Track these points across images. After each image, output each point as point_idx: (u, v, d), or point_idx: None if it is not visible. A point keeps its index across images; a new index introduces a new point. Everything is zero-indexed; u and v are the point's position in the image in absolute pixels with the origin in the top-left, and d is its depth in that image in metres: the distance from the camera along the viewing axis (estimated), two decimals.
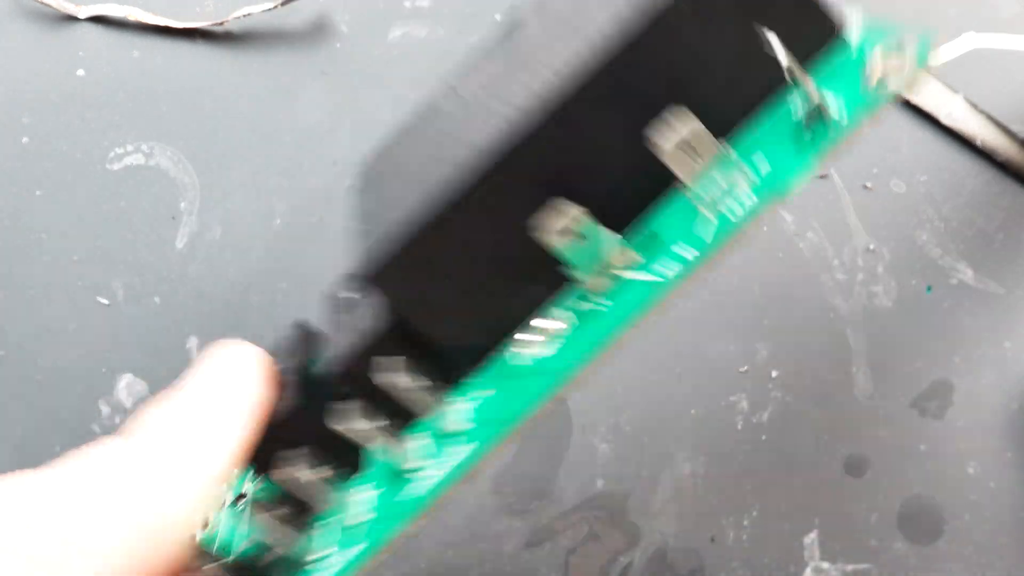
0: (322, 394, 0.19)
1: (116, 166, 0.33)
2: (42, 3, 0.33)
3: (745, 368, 0.32)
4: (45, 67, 0.33)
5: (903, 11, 0.33)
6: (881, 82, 0.16)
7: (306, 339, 0.21)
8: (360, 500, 0.20)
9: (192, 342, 0.32)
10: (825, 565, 0.31)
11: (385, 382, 0.19)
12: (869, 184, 0.32)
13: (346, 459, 0.20)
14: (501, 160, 0.17)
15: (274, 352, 0.20)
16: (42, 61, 0.34)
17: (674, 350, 0.32)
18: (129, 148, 0.33)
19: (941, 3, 0.33)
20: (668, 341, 0.32)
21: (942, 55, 0.33)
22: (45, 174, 0.33)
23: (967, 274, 0.32)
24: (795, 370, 0.32)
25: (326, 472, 0.19)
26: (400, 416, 0.19)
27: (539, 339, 0.19)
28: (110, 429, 0.32)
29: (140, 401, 0.32)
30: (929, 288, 0.32)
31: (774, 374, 0.32)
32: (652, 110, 0.17)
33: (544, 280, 0.18)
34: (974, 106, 0.32)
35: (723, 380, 0.32)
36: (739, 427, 0.31)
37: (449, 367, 0.19)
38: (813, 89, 0.16)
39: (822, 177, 0.33)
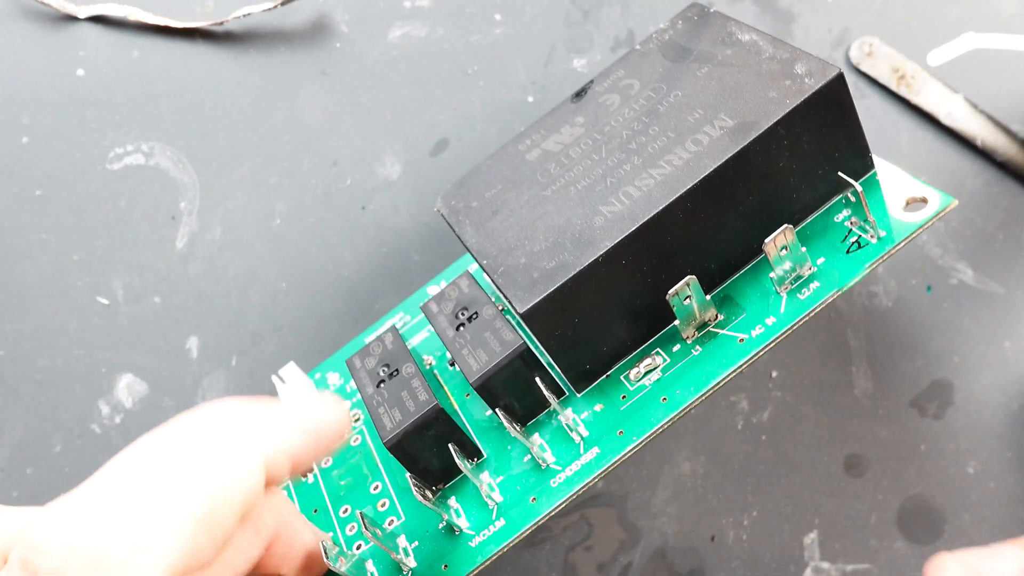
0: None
1: (116, 166, 0.33)
2: (42, 3, 0.33)
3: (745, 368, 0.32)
4: (45, 67, 0.33)
5: (903, 11, 0.33)
6: (909, 214, 0.23)
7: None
8: (493, 483, 0.24)
9: (192, 342, 0.32)
10: (825, 565, 0.31)
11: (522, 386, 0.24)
12: None
13: (476, 452, 0.25)
14: (635, 231, 0.22)
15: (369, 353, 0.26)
16: (42, 61, 0.34)
17: None
18: (129, 148, 0.33)
19: (941, 3, 0.33)
20: None
21: (942, 55, 0.33)
22: (45, 174, 0.33)
23: (967, 274, 0.32)
24: (795, 370, 0.32)
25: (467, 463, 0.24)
26: (523, 411, 0.25)
27: (640, 372, 0.24)
28: (110, 429, 0.32)
29: (140, 401, 0.32)
30: (929, 288, 0.32)
31: (774, 374, 0.32)
32: (747, 205, 0.23)
33: (649, 322, 0.24)
34: (974, 106, 0.32)
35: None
36: (739, 427, 0.31)
37: (562, 386, 0.25)
38: (868, 211, 0.23)
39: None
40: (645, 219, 0.22)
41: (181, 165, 0.33)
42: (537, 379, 0.24)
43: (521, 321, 0.23)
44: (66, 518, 0.17)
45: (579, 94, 0.27)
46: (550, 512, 0.22)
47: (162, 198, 0.33)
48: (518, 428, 0.23)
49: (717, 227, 0.23)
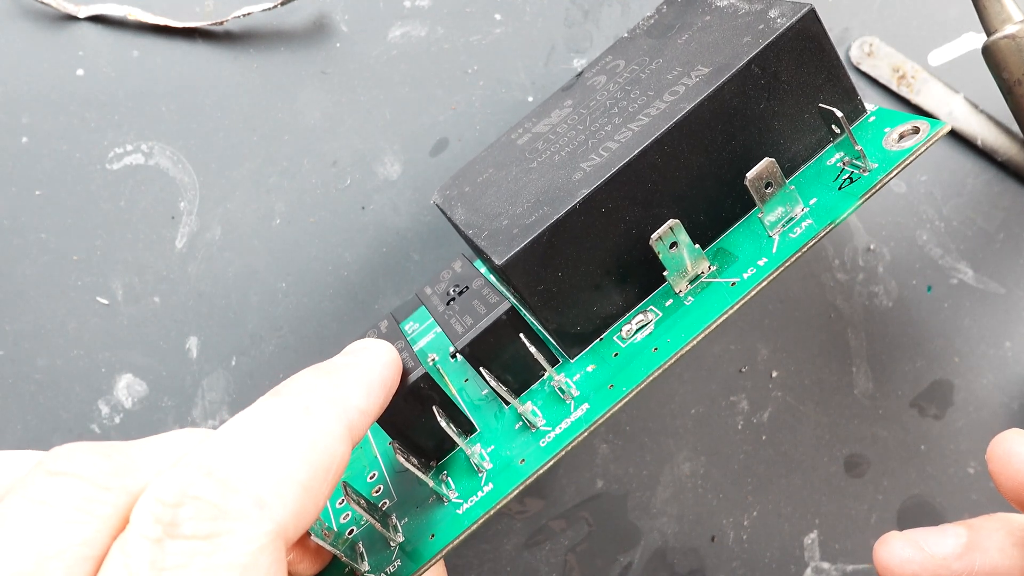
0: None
1: (116, 166, 0.33)
2: (41, 3, 0.33)
3: (745, 368, 0.32)
4: (45, 67, 0.33)
5: (904, 11, 0.33)
6: (900, 144, 0.23)
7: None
8: (484, 452, 0.24)
9: (192, 342, 0.32)
10: (825, 565, 0.31)
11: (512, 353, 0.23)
12: None
13: (464, 418, 0.24)
14: (612, 176, 0.22)
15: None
16: (42, 61, 0.34)
17: None
18: (129, 148, 0.33)
19: (942, 3, 0.33)
20: None
21: (943, 55, 0.33)
22: (45, 174, 0.33)
23: (967, 274, 0.32)
24: (795, 370, 0.32)
25: (453, 428, 0.23)
26: (517, 383, 0.24)
27: (632, 328, 0.24)
28: (109, 429, 0.32)
29: (140, 401, 0.32)
30: (929, 288, 0.32)
31: (774, 374, 0.32)
32: (731, 151, 0.23)
33: (641, 281, 0.24)
34: (974, 106, 0.32)
35: (723, 380, 0.32)
36: (739, 427, 0.31)
37: (556, 349, 0.24)
38: (858, 144, 0.23)
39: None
40: (621, 164, 0.22)
41: (181, 165, 0.33)
42: (523, 336, 0.23)
43: (501, 276, 0.23)
44: (200, 464, 0.17)
45: (569, 83, 0.28)
46: (538, 471, 0.22)
47: (162, 198, 0.33)
48: (504, 389, 0.23)
49: (701, 174, 0.23)
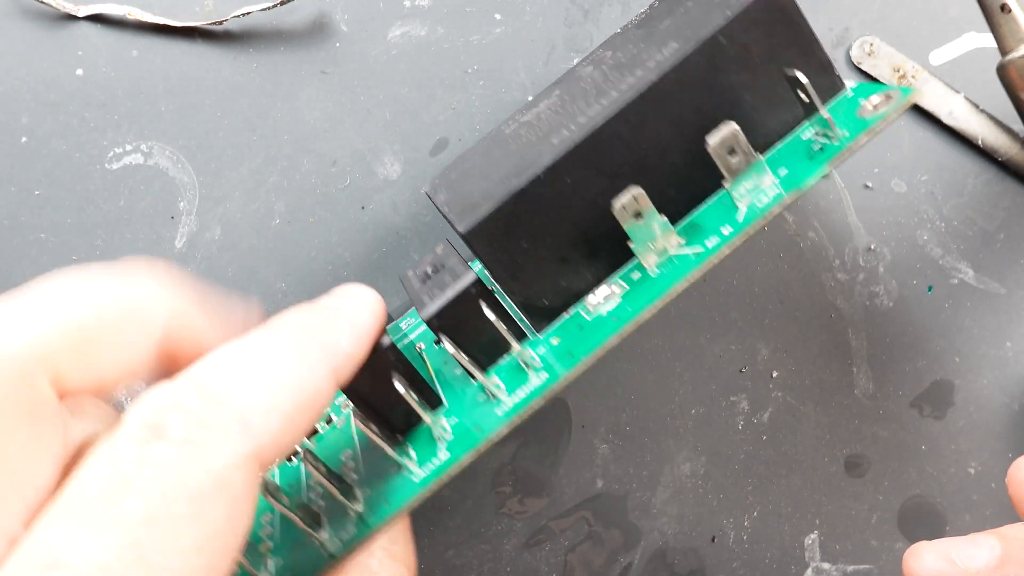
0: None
1: (115, 165, 0.33)
2: (41, 2, 0.33)
3: (745, 368, 0.32)
4: (44, 67, 0.33)
5: (904, 11, 0.33)
6: (873, 111, 0.23)
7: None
8: (447, 424, 0.24)
9: None
10: (825, 565, 0.31)
11: (475, 327, 0.23)
12: (870, 184, 0.32)
13: (432, 393, 0.24)
14: (576, 146, 0.22)
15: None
16: (41, 61, 0.33)
17: (674, 350, 0.32)
18: (128, 148, 0.33)
19: (942, 3, 0.33)
20: (668, 341, 0.32)
21: (943, 55, 0.33)
22: (44, 174, 0.33)
23: (968, 274, 0.32)
24: (795, 370, 0.32)
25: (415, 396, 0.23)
26: (486, 357, 0.24)
27: (599, 299, 0.23)
28: None
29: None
30: (930, 288, 0.32)
31: (774, 374, 0.32)
32: (700, 125, 0.23)
33: (609, 255, 0.24)
34: (975, 106, 0.32)
35: (723, 380, 0.32)
36: (739, 427, 0.31)
37: (523, 322, 0.24)
38: (824, 110, 0.22)
39: (823, 176, 0.32)
40: (585, 134, 0.22)
41: (180, 165, 0.33)
42: (486, 308, 0.23)
43: (467, 246, 0.23)
44: (194, 380, 0.18)
45: (560, 77, 0.28)
46: (491, 438, 0.22)
47: (161, 198, 0.33)
48: (468, 360, 0.23)
49: (669, 146, 0.23)
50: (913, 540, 0.31)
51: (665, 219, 0.23)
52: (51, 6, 0.34)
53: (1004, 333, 0.32)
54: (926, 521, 0.31)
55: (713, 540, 0.31)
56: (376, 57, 0.33)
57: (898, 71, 0.33)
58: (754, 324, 0.32)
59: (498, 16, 0.33)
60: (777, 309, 0.32)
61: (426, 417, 0.23)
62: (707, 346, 0.32)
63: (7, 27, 0.34)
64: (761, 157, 0.23)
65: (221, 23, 0.33)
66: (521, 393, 0.23)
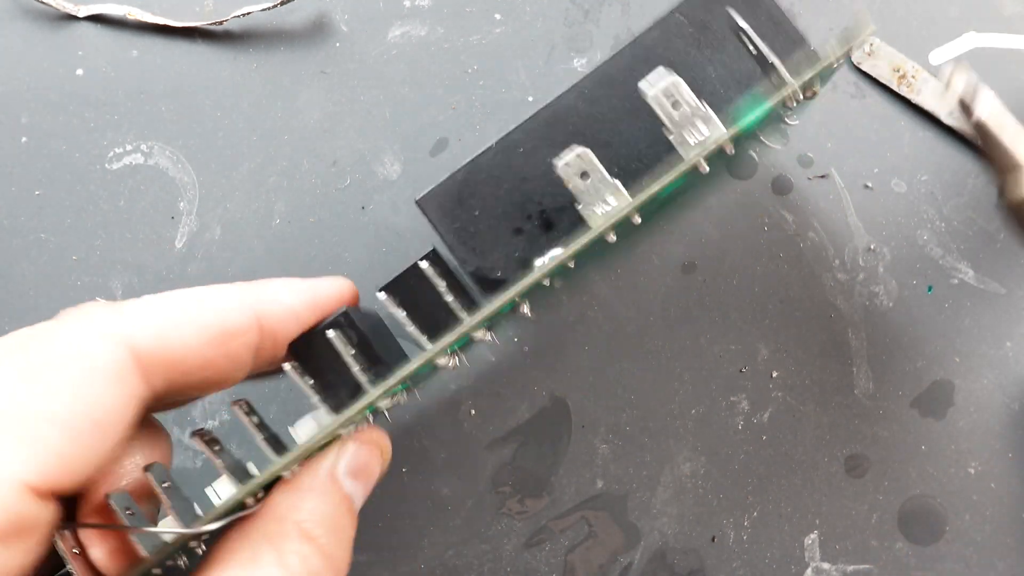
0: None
1: (115, 165, 0.33)
2: (41, 2, 0.33)
3: (745, 368, 0.32)
4: (44, 67, 0.33)
5: (904, 11, 0.33)
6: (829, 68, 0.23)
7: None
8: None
9: None
10: (825, 565, 0.31)
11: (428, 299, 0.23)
12: (870, 184, 0.32)
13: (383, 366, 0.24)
14: (529, 118, 0.23)
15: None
16: (41, 61, 0.33)
17: (674, 350, 0.32)
18: (128, 148, 0.33)
19: (942, 3, 0.33)
20: (668, 341, 0.32)
21: (943, 55, 0.33)
22: (44, 174, 0.33)
23: (968, 274, 0.32)
24: (795, 370, 0.32)
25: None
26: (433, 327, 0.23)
27: (544, 260, 0.22)
28: None
29: None
30: (930, 288, 0.32)
31: (774, 374, 0.32)
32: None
33: (564, 229, 0.24)
34: None
35: (723, 380, 0.32)
36: (739, 427, 0.31)
37: (476, 293, 0.24)
38: (760, 45, 0.22)
39: (822, 177, 0.32)
40: (540, 107, 0.23)
41: (180, 165, 0.33)
42: (436, 276, 0.22)
43: (423, 213, 0.24)
44: None
45: None
46: (402, 375, 0.21)
47: (161, 198, 0.33)
48: (414, 328, 0.22)
49: (627, 121, 0.24)
50: (913, 540, 0.31)
51: (615, 180, 0.22)
52: (51, 6, 0.34)
53: (1004, 333, 0.32)
54: (926, 521, 0.31)
55: (713, 540, 0.31)
56: (376, 57, 0.33)
57: (898, 71, 0.33)
58: (754, 324, 0.32)
59: (498, 16, 0.33)
60: (777, 309, 0.32)
61: (359, 375, 0.22)
62: (707, 346, 0.32)
63: (7, 27, 0.34)
64: (706, 107, 0.22)
65: (221, 23, 0.33)
66: (447, 339, 0.22)
